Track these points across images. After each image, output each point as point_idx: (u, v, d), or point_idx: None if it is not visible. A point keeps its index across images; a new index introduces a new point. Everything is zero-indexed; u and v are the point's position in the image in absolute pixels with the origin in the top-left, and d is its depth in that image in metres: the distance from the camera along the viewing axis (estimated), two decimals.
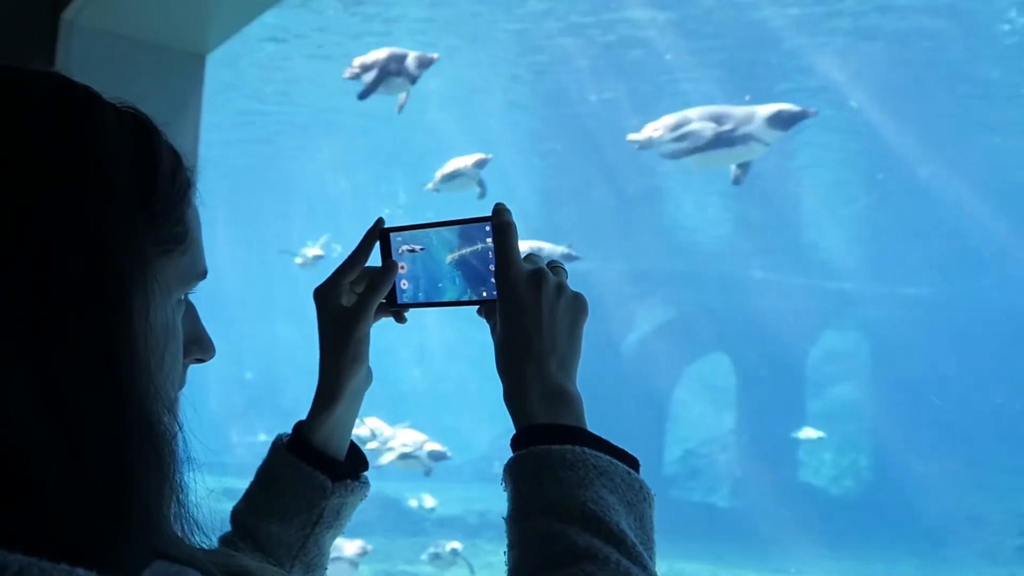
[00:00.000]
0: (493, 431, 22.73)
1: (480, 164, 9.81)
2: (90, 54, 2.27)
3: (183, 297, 0.76)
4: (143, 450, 0.61)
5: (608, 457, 0.79)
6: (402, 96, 8.27)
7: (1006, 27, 10.84)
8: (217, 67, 2.51)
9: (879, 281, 16.95)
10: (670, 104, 13.21)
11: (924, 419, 15.52)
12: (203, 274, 0.76)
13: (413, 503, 12.42)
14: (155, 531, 0.61)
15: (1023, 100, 12.36)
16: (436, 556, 10.26)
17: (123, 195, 0.65)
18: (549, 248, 10.10)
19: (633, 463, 0.80)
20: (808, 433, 14.31)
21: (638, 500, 0.78)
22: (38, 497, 0.55)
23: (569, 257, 10.04)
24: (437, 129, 15.46)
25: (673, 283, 15.71)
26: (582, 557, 0.71)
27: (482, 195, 9.75)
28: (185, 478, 0.68)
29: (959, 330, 16.15)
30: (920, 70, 11.82)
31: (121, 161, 0.66)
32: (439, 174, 10.02)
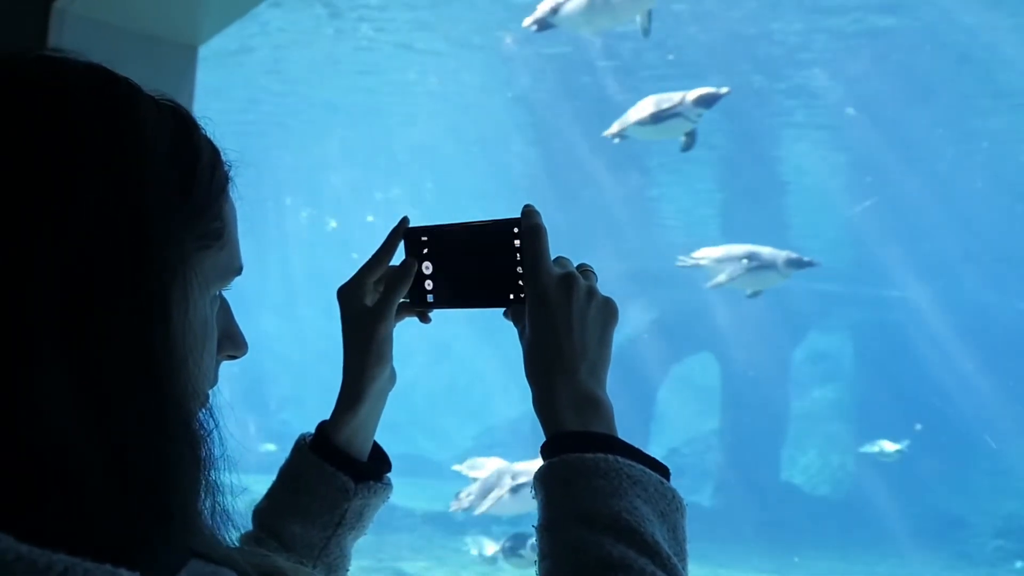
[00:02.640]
0: (477, 428, 22.72)
1: (705, 101, 6.93)
2: (81, 44, 2.21)
3: (218, 293, 0.75)
4: (181, 449, 0.60)
5: (641, 466, 0.78)
6: (642, 16, 6.43)
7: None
8: (213, 54, 2.50)
9: (863, 283, 17.06)
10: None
11: (905, 421, 15.64)
12: (239, 270, 0.75)
13: (474, 551, 10.47)
14: (192, 530, 0.60)
15: (1011, 106, 12.46)
16: (514, 553, 8.83)
17: (163, 190, 0.64)
18: (769, 253, 8.62)
19: (665, 472, 0.80)
20: (885, 446, 12.66)
21: (671, 510, 0.77)
22: (78, 496, 0.54)
23: (799, 263, 8.50)
24: (429, 127, 15.43)
25: (659, 283, 15.74)
26: (617, 568, 0.70)
27: (688, 146, 7.19)
28: (220, 476, 0.67)
29: (940, 332, 16.27)
30: (912, 75, 11.89)
31: (162, 155, 0.65)
32: (636, 114, 7.43)
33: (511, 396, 21.97)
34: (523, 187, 16.93)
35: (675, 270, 16.56)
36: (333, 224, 20.50)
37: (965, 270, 16.24)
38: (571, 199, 15.70)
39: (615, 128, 7.92)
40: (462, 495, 8.87)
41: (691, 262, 9.07)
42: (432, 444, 21.08)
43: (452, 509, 8.97)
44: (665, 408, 17.65)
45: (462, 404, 25.48)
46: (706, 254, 9.02)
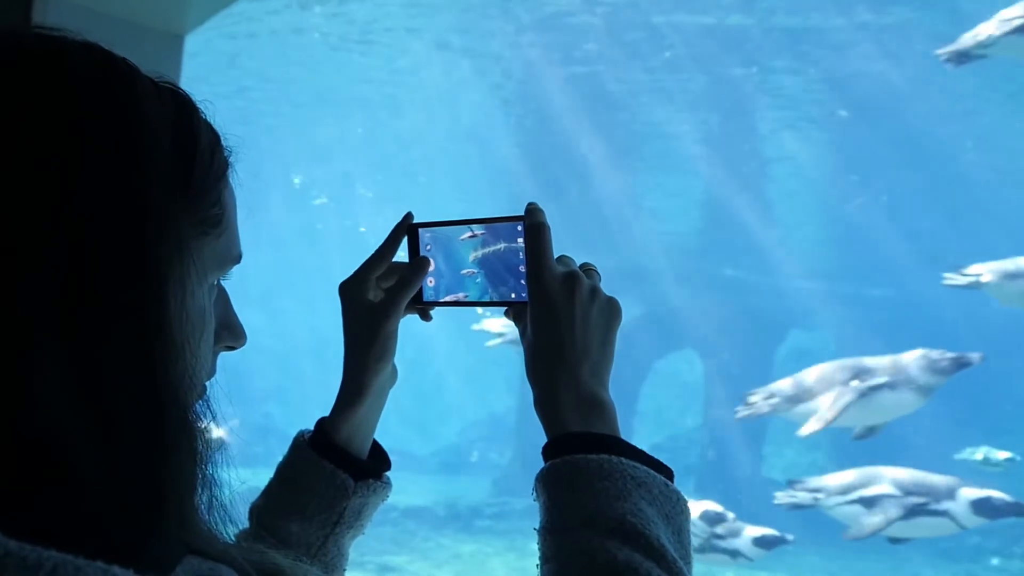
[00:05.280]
0: (461, 422, 22.73)
1: None
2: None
3: (216, 282, 0.73)
4: (178, 442, 0.59)
5: (645, 468, 0.77)
6: None
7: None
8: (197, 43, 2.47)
9: (846, 281, 17.18)
10: (654, 105, 13.30)
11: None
12: (238, 258, 0.73)
13: None
14: (188, 526, 0.59)
15: (994, 109, 12.57)
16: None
17: (162, 174, 0.62)
18: None
19: (669, 474, 0.78)
20: (995, 454, 11.11)
21: (676, 513, 0.76)
22: (73, 490, 0.52)
23: None
24: (416, 122, 15.38)
25: (644, 279, 15.80)
26: (622, 572, 0.68)
27: None
28: (217, 470, 0.66)
29: (919, 331, 16.40)
30: (899, 77, 11.97)
31: (161, 139, 0.63)
32: (1013, 20, 5.81)
33: (495, 391, 21.99)
34: (511, 182, 16.91)
35: (659, 266, 16.69)
36: (322, 199, 20.22)
37: (948, 269, 16.37)
38: (557, 194, 15.71)
39: (966, 43, 6.34)
40: (755, 397, 7.64)
41: (964, 280, 7.82)
42: (415, 438, 21.06)
43: (740, 416, 7.92)
44: (648, 404, 17.72)
45: (446, 399, 25.48)
46: (988, 269, 7.71)
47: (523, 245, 0.91)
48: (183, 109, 0.68)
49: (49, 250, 0.55)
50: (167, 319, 0.60)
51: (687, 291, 16.06)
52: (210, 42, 11.44)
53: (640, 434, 16.69)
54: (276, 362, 23.56)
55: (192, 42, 2.46)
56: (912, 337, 16.30)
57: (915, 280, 16.75)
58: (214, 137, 0.71)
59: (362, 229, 19.90)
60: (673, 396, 19.79)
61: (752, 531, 7.55)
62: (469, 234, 0.95)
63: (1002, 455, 10.83)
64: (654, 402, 18.39)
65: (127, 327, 0.57)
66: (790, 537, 7.62)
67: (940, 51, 6.52)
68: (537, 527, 0.77)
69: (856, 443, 14.25)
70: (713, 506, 7.98)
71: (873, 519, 7.06)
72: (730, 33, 11.23)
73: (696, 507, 7.88)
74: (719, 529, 7.55)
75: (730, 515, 7.82)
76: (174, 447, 0.58)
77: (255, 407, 20.69)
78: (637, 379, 17.01)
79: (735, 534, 7.53)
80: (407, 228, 0.98)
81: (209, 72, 12.95)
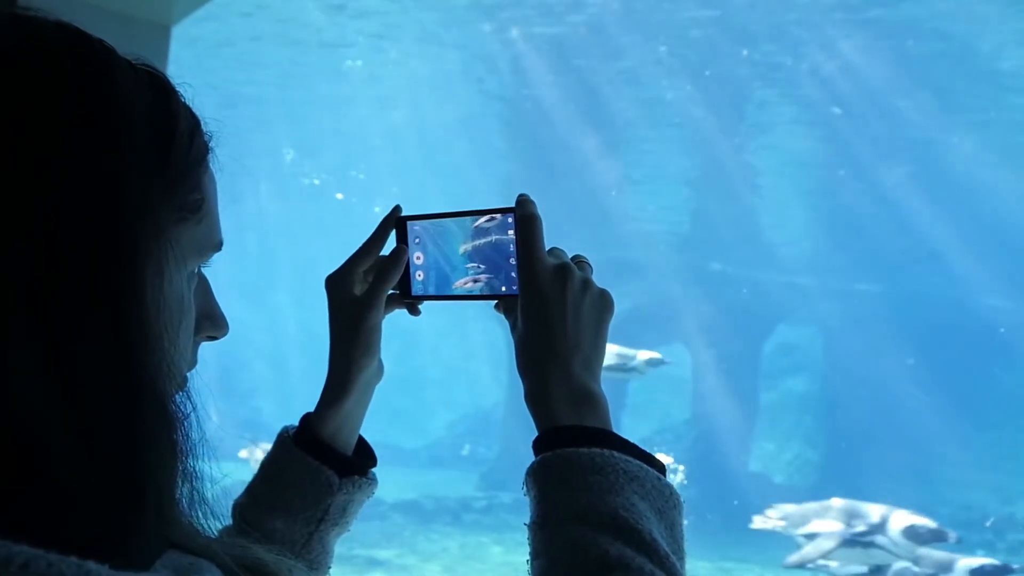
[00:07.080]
0: (450, 417, 22.74)
1: None
2: None
3: (196, 270, 0.70)
4: (157, 433, 0.57)
5: (638, 462, 0.75)
6: None
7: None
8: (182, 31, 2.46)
9: (833, 276, 17.26)
10: (645, 103, 13.31)
11: (872, 413, 15.87)
12: (219, 245, 0.71)
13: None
14: (168, 519, 0.57)
15: (979, 105, 12.64)
16: None
17: (139, 158, 0.59)
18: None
19: (661, 468, 0.77)
20: None
21: (669, 507, 0.75)
22: (48, 483, 0.50)
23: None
24: (402, 119, 15.34)
25: (632, 274, 15.83)
26: (614, 567, 0.67)
27: None
28: (198, 463, 0.64)
29: (907, 326, 16.51)
30: (887, 74, 12.01)
31: (137, 121, 0.60)
32: None
33: (483, 385, 21.99)
34: (499, 177, 16.89)
35: (648, 261, 16.71)
36: (291, 154, 19.83)
37: (935, 266, 16.48)
38: (545, 189, 15.71)
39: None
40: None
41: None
42: (402, 433, 21.05)
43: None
44: (637, 398, 17.77)
45: (434, 393, 25.47)
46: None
47: (514, 237, 0.89)
48: (160, 91, 0.65)
49: (20, 236, 0.53)
50: (143, 307, 0.58)
51: (675, 286, 16.10)
52: (199, 25, 11.36)
53: (630, 428, 16.74)
54: (265, 356, 23.49)
55: (181, 28, 2.44)
56: (901, 333, 16.45)
57: (903, 275, 16.87)
58: (193, 121, 0.68)
59: (339, 196, 19.74)
60: (662, 390, 19.84)
61: (967, 562, 7.16)
62: (484, 220, 0.92)
63: None
64: (643, 396, 18.43)
65: (101, 315, 0.55)
66: (1016, 566, 7.09)
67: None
68: (527, 522, 0.76)
69: (857, 443, 14.36)
70: (923, 520, 7.26)
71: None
72: (722, 27, 11.24)
73: (898, 519, 7.38)
74: (931, 564, 7.10)
75: (951, 534, 7.28)
76: (152, 438, 0.57)
77: (243, 401, 20.62)
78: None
79: (946, 568, 7.12)
80: (395, 221, 0.97)
81: (197, 57, 12.87)
